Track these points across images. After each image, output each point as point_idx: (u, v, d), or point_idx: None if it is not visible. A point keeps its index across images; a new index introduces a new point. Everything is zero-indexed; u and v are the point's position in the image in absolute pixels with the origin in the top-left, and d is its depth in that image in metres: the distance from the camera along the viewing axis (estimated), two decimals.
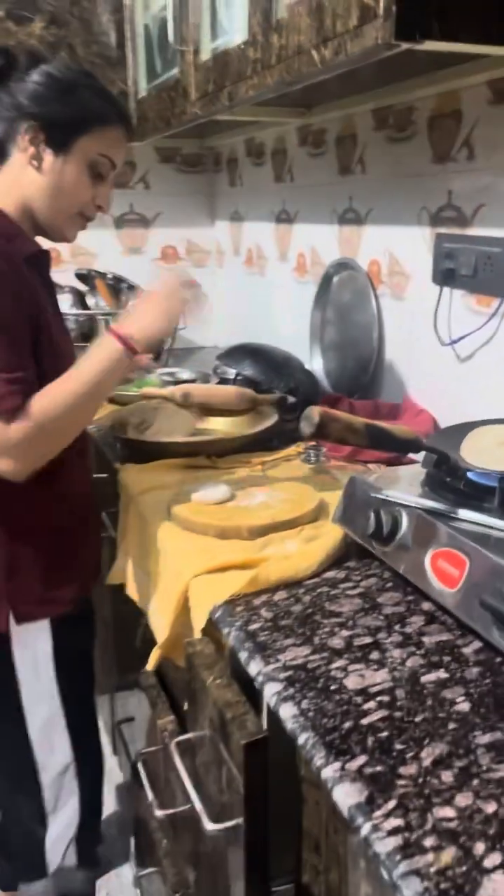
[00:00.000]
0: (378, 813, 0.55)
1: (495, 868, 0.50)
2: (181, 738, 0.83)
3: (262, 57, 1.21)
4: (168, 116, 1.73)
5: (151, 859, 1.20)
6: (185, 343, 2.32)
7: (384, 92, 1.42)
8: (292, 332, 1.91)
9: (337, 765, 0.60)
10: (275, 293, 2.07)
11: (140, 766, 1.11)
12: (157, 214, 2.39)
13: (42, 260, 1.11)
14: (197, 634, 0.89)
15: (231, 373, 1.76)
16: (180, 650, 0.96)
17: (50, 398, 0.97)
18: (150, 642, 1.02)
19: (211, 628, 0.87)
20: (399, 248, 1.48)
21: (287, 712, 0.67)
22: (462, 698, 0.69)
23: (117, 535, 1.28)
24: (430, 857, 0.52)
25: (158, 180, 2.37)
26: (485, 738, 0.63)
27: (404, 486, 0.90)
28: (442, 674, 0.72)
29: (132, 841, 1.36)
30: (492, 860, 0.51)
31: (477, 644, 0.77)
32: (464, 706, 0.68)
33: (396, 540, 0.85)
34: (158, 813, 1.00)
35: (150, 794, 1.04)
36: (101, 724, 1.36)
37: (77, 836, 1.21)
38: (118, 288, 2.13)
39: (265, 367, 1.68)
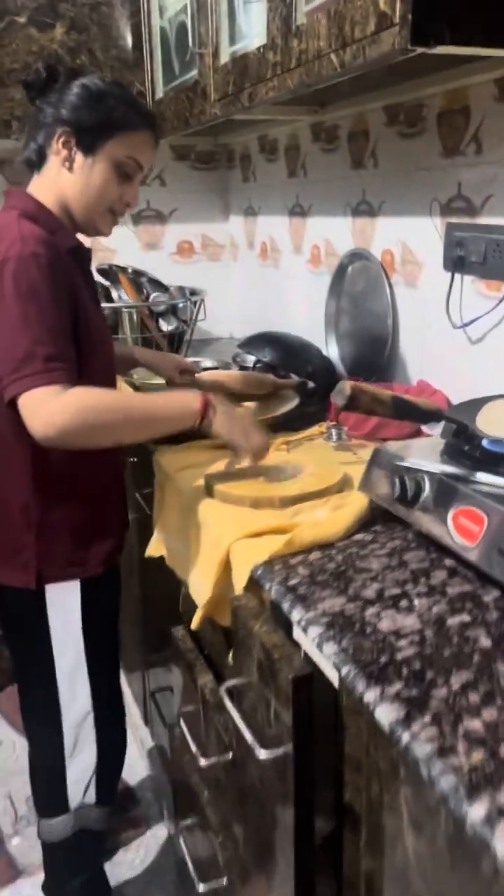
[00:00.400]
0: (415, 726, 0.64)
1: None
2: (229, 683, 0.92)
3: (282, 60, 1.29)
4: (186, 116, 1.82)
5: (192, 812, 1.28)
6: (201, 335, 2.41)
7: (395, 90, 1.50)
8: (307, 322, 2.00)
9: (377, 690, 0.69)
10: (289, 284, 2.16)
11: (182, 722, 1.20)
12: (173, 210, 2.48)
13: (83, 254, 1.21)
14: (238, 593, 0.97)
15: (250, 360, 1.85)
16: (222, 610, 1.05)
17: (108, 398, 1.08)
18: (189, 611, 1.11)
19: (252, 587, 0.95)
20: (411, 238, 1.56)
21: (329, 650, 0.76)
22: (484, 637, 0.77)
23: (154, 512, 1.37)
24: (462, 758, 0.60)
25: (174, 177, 2.45)
26: None
27: (424, 455, 0.99)
28: (465, 617, 0.81)
29: (168, 801, 1.45)
30: None
31: (496, 593, 0.85)
32: (486, 643, 0.76)
33: (420, 503, 0.93)
34: (203, 762, 1.09)
35: (193, 746, 1.13)
36: (131, 695, 1.45)
37: (97, 776, 1.32)
38: (139, 282, 2.21)
39: (284, 354, 1.76)
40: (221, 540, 1.03)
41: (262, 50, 1.36)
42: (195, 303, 2.15)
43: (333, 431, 1.39)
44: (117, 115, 1.17)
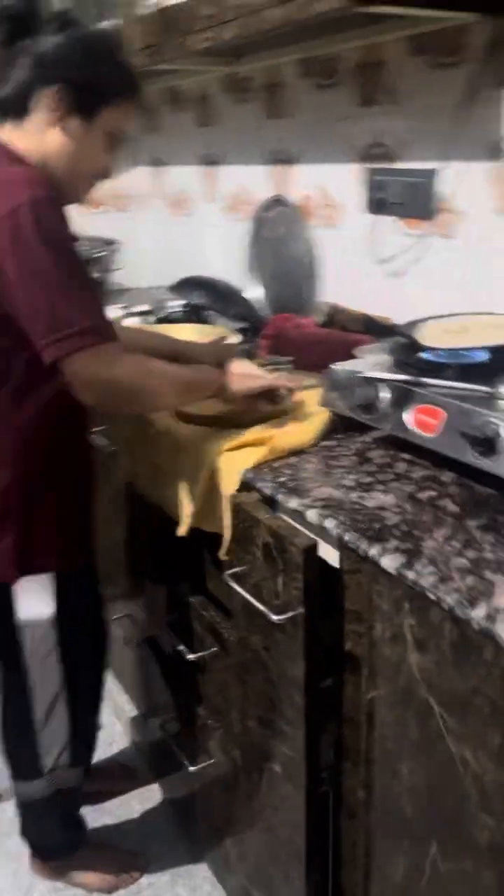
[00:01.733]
0: (417, 566, 0.80)
1: (500, 583, 0.76)
2: (233, 570, 1.05)
3: (217, 13, 1.38)
4: None
5: (170, 714, 1.42)
6: (116, 286, 2.46)
7: (310, 45, 1.62)
8: (224, 267, 2.11)
9: (379, 547, 0.85)
10: (204, 231, 2.25)
11: (166, 624, 1.33)
12: None
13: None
14: (226, 499, 1.10)
15: (178, 304, 1.97)
16: (208, 520, 1.17)
17: (156, 365, 1.11)
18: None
19: (241, 491, 1.08)
20: (330, 184, 1.70)
21: (330, 524, 0.91)
22: (451, 504, 0.95)
23: (112, 446, 1.46)
24: (458, 583, 0.77)
25: None
26: (473, 523, 0.89)
27: (374, 369, 1.14)
28: (432, 493, 0.98)
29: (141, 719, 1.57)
30: (498, 580, 0.77)
31: (450, 474, 1.03)
32: (454, 508, 0.93)
33: (380, 407, 1.09)
34: (191, 657, 1.23)
35: (181, 646, 1.27)
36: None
37: (70, 743, 1.33)
38: None
39: (214, 297, 1.88)
40: (207, 454, 1.15)
41: (192, 2, 1.45)
42: (111, 252, 2.21)
43: (277, 362, 1.52)
44: (115, 79, 1.11)
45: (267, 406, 1.21)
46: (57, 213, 1.03)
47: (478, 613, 0.72)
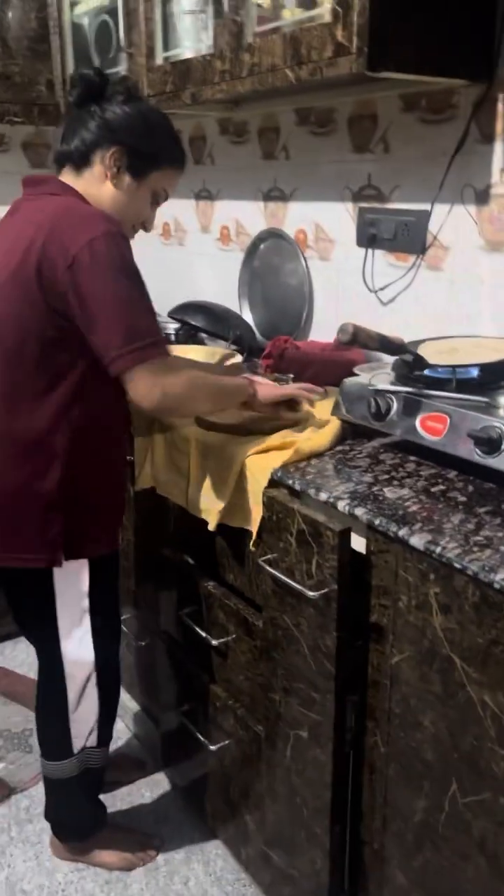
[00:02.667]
0: (442, 542, 0.96)
1: None
2: (267, 556, 1.19)
3: (231, 69, 1.55)
4: None
5: (193, 700, 1.55)
6: None
7: (307, 97, 1.81)
8: (216, 294, 2.26)
9: (406, 528, 1.00)
10: (196, 261, 2.41)
11: (185, 618, 1.46)
12: None
13: None
14: (256, 496, 1.25)
15: (173, 326, 2.12)
16: (237, 516, 1.32)
17: (204, 376, 1.28)
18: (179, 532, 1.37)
19: (270, 488, 1.23)
20: (324, 220, 1.88)
21: (360, 511, 1.06)
22: (460, 495, 1.11)
23: (136, 454, 1.59)
24: (478, 554, 0.93)
25: None
26: (482, 510, 1.06)
27: (383, 382, 1.31)
28: (441, 487, 1.15)
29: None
30: None
31: (454, 472, 1.20)
32: (463, 498, 1.10)
33: (391, 416, 1.26)
34: (214, 642, 1.36)
35: (202, 633, 1.41)
36: None
37: (98, 724, 1.47)
38: None
39: (213, 319, 2.04)
40: (233, 458, 1.30)
41: (208, 58, 1.62)
42: None
43: (281, 379, 1.68)
44: (166, 150, 1.32)
45: (288, 413, 1.37)
46: (126, 245, 1.20)
47: (500, 576, 0.88)
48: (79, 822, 1.54)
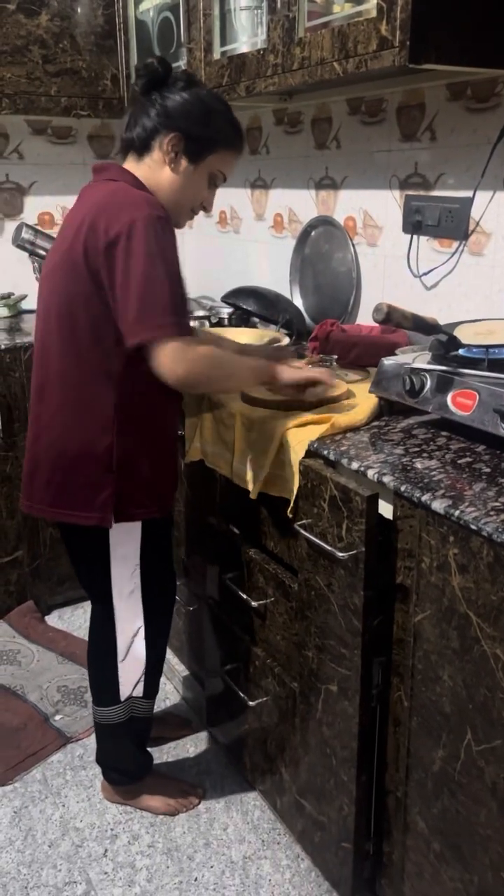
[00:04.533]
0: (461, 507, 1.03)
1: None
2: (302, 522, 1.28)
3: (283, 62, 1.63)
4: None
5: (235, 660, 1.65)
6: None
7: (358, 88, 1.87)
8: (270, 280, 2.35)
9: (430, 494, 1.08)
10: (251, 248, 2.50)
11: (229, 582, 1.56)
12: None
13: None
14: (294, 466, 1.33)
15: (227, 310, 2.21)
16: (276, 485, 1.40)
17: (226, 356, 1.39)
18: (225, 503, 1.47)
19: (307, 458, 1.31)
20: (372, 207, 1.94)
21: (388, 479, 1.14)
22: (485, 467, 1.18)
23: (186, 429, 1.69)
24: (493, 518, 1.00)
25: None
26: None
27: (419, 362, 1.38)
28: (468, 459, 1.21)
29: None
30: None
31: (483, 446, 1.26)
32: (487, 469, 1.17)
33: (424, 392, 1.32)
34: (254, 604, 1.46)
35: (243, 595, 1.50)
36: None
37: (145, 675, 1.58)
38: None
39: (264, 304, 2.12)
40: (276, 430, 1.39)
41: (262, 52, 1.70)
42: None
43: (326, 360, 1.76)
44: (223, 134, 1.38)
45: (308, 395, 1.44)
46: (167, 231, 1.27)
47: None
48: (126, 767, 1.66)
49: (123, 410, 1.36)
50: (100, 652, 1.58)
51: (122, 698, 1.58)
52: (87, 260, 1.27)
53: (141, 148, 1.37)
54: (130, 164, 1.40)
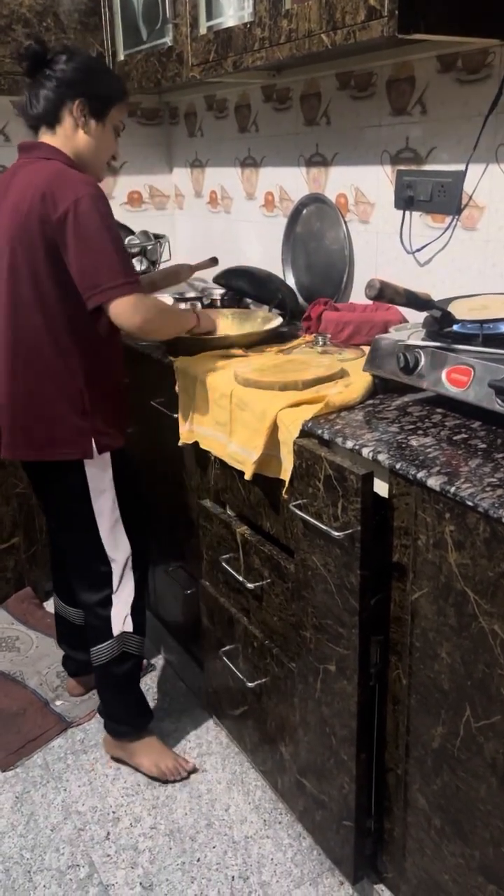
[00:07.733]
0: (457, 483, 1.02)
1: None
2: (297, 501, 1.27)
3: (270, 36, 1.60)
4: (158, 78, 2.09)
5: (231, 641, 1.64)
6: None
7: (346, 61, 1.84)
8: (261, 259, 2.33)
9: (425, 471, 1.07)
10: (242, 227, 2.47)
11: (224, 564, 1.55)
12: (123, 163, 2.72)
13: None
14: (288, 446, 1.32)
15: (219, 291, 2.19)
16: (267, 466, 1.39)
17: (166, 305, 1.55)
18: (217, 487, 1.45)
19: (301, 438, 1.30)
20: (363, 184, 1.92)
21: (383, 457, 1.13)
22: (480, 443, 1.17)
23: (180, 412, 1.68)
24: (489, 494, 0.99)
25: (123, 133, 2.68)
26: (500, 455, 1.11)
27: (412, 338, 1.36)
28: (464, 435, 1.20)
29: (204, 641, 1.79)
30: None
31: (478, 422, 1.25)
32: (482, 445, 1.16)
33: (419, 369, 1.31)
34: (250, 585, 1.45)
35: (239, 577, 1.49)
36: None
37: (133, 609, 1.68)
38: None
39: (256, 284, 2.10)
40: (268, 411, 1.37)
41: (248, 26, 1.67)
42: (161, 244, 2.44)
43: (320, 339, 1.74)
44: (115, 89, 1.55)
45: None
46: (105, 203, 1.42)
47: None
48: (126, 717, 1.74)
49: (91, 363, 1.53)
50: (94, 586, 1.66)
51: (115, 633, 1.66)
52: (43, 234, 1.41)
53: (52, 120, 1.51)
54: (47, 137, 1.53)
